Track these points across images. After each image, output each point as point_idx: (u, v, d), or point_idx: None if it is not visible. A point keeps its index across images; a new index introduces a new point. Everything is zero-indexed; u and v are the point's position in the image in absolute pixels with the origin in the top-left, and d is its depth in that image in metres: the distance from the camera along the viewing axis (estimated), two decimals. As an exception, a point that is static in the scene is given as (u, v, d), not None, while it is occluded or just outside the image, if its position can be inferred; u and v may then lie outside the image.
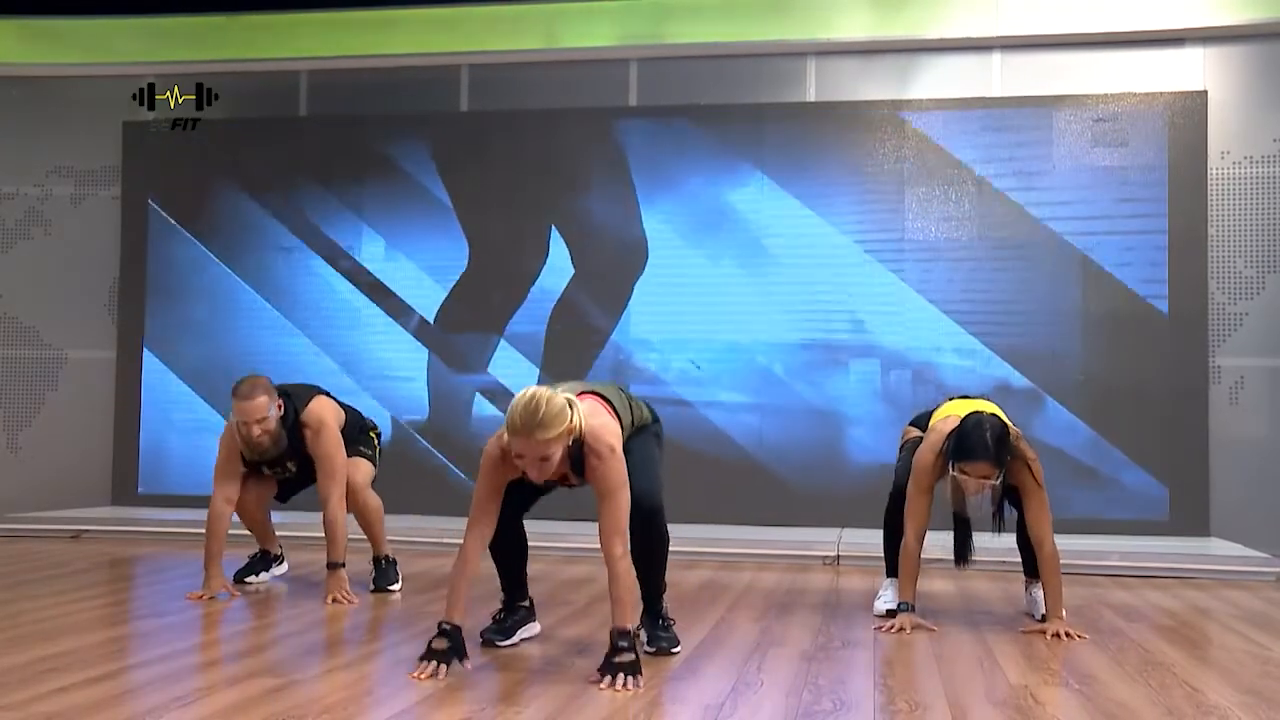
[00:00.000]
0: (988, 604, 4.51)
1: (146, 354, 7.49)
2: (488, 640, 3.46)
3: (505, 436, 3.08)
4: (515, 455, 3.06)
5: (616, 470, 3.16)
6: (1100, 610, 4.39)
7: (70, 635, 3.53)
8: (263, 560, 4.81)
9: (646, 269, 6.98)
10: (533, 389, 3.07)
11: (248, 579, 4.71)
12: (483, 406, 7.07)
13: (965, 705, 2.83)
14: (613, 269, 7.02)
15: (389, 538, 4.79)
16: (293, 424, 4.43)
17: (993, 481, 3.78)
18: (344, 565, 4.39)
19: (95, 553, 5.75)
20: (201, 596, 4.26)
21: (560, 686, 2.97)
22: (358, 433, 4.76)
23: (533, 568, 5.08)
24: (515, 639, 3.53)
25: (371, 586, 4.67)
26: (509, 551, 3.58)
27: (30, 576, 4.90)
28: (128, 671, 3.04)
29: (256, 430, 4.30)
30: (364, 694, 2.88)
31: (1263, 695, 2.97)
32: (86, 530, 6.43)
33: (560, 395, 3.08)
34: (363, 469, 4.71)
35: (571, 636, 3.68)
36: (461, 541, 3.21)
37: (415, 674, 3.02)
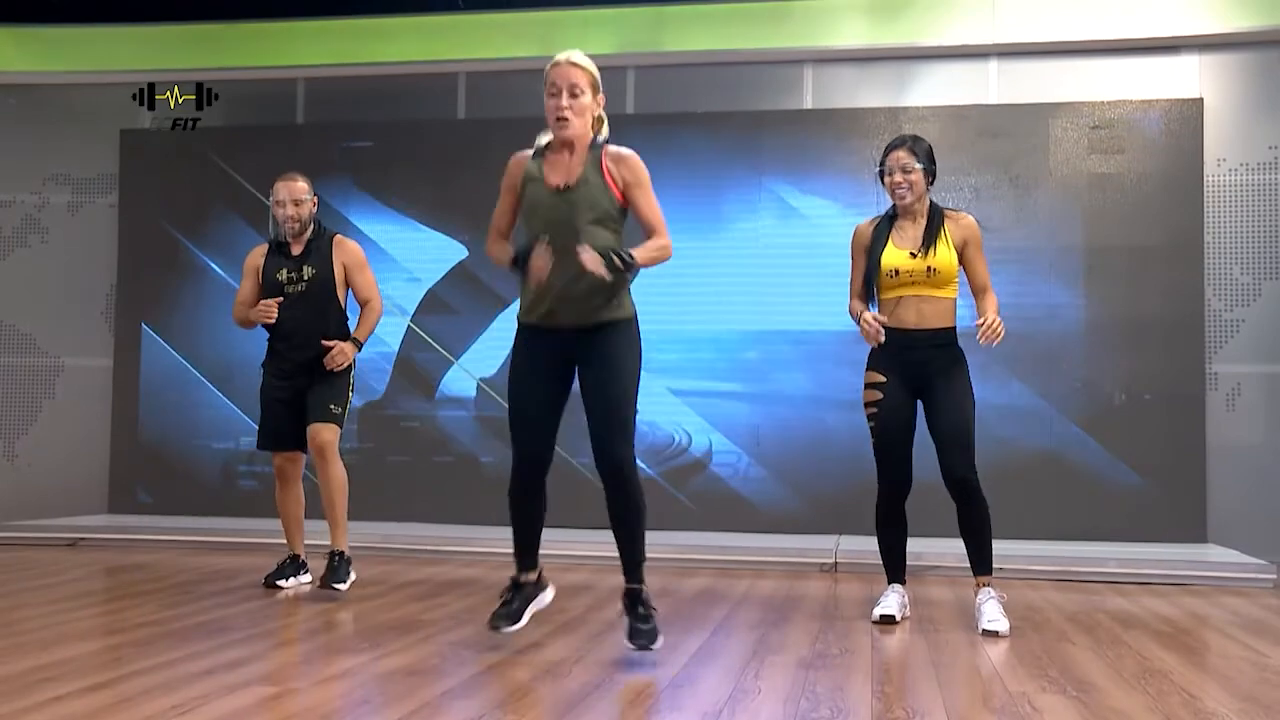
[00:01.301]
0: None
1: (143, 362, 7.49)
2: (495, 626, 3.48)
3: (524, 153, 3.56)
4: (548, 91, 3.45)
5: (644, 170, 3.52)
6: (1098, 617, 4.39)
7: (67, 643, 3.53)
8: (293, 565, 4.90)
9: (645, 274, 6.97)
10: None
11: (280, 582, 4.80)
12: (486, 405, 7.06)
13: (963, 713, 2.83)
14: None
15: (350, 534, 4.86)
16: (326, 235, 4.88)
17: (912, 174, 4.12)
18: (360, 344, 4.80)
19: (92, 560, 5.75)
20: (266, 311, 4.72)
21: (560, 693, 2.97)
22: (345, 376, 4.86)
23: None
24: (524, 620, 3.55)
25: (318, 583, 4.69)
26: (530, 509, 3.56)
27: (27, 584, 4.89)
28: (124, 680, 3.03)
29: (291, 209, 4.77)
30: (361, 702, 2.88)
31: (1260, 702, 2.97)
32: (84, 538, 6.43)
33: None
34: (330, 431, 4.75)
35: (570, 644, 3.67)
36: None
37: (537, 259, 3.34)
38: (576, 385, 3.57)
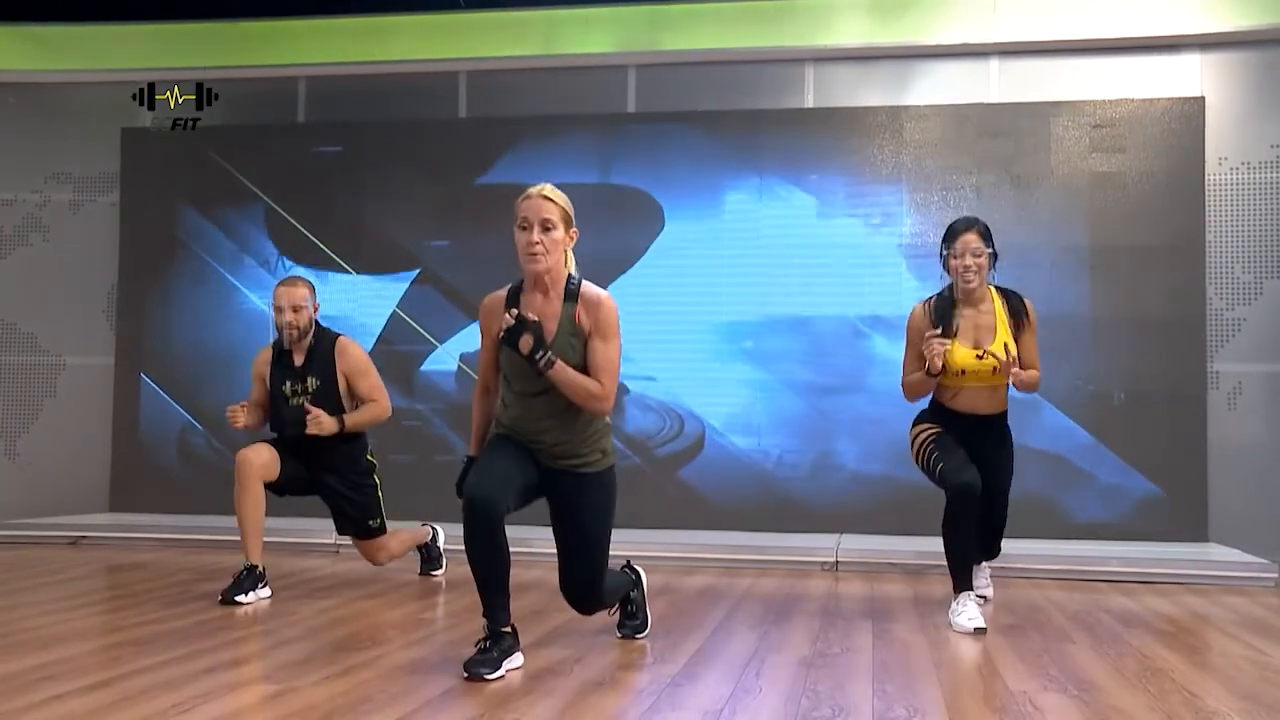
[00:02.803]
0: (986, 611, 4.50)
1: (145, 360, 7.49)
2: (474, 674, 3.14)
3: (494, 295, 3.46)
4: (519, 224, 3.32)
5: (614, 319, 3.38)
6: (1099, 616, 4.39)
7: (67, 642, 3.53)
8: (250, 577, 4.60)
9: (645, 274, 6.98)
10: None
11: (239, 598, 4.48)
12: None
13: (964, 711, 2.83)
14: (610, 273, 7.02)
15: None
16: (327, 341, 4.77)
17: (981, 258, 4.16)
18: (345, 424, 4.66)
19: (93, 559, 5.75)
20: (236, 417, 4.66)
21: (558, 694, 2.97)
22: (374, 487, 4.92)
23: (529, 574, 5.10)
24: (502, 671, 3.19)
25: (418, 573, 5.19)
26: (492, 557, 3.22)
27: (28, 583, 4.90)
28: (125, 679, 3.03)
29: (290, 316, 4.67)
30: (361, 701, 2.87)
31: (1261, 701, 2.97)
32: (85, 536, 6.43)
33: None
34: (376, 547, 4.95)
35: (568, 644, 3.67)
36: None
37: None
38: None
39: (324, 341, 4.77)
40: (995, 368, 4.15)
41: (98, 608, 4.39)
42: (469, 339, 7.17)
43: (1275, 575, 5.34)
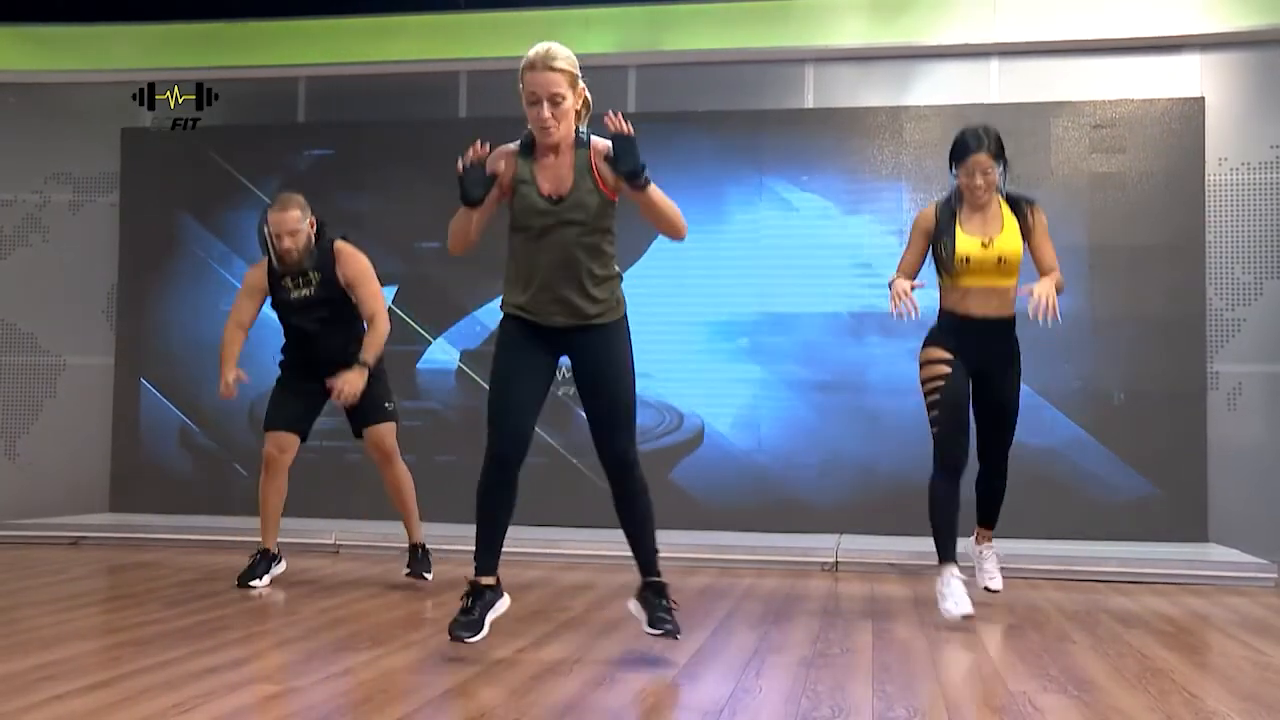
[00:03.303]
0: (986, 610, 4.50)
1: (145, 360, 7.49)
2: (455, 637, 3.28)
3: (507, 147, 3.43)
4: (527, 99, 3.29)
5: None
6: (1099, 616, 4.39)
7: (68, 642, 3.53)
8: (264, 561, 4.84)
9: (644, 274, 6.98)
10: None
11: (252, 584, 4.74)
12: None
13: (964, 712, 2.83)
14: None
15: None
16: (326, 247, 4.70)
17: (991, 175, 4.11)
18: (369, 366, 4.55)
19: (93, 559, 5.75)
20: (224, 391, 4.68)
21: (558, 694, 2.97)
22: (382, 373, 4.81)
23: (529, 574, 5.10)
24: (485, 630, 3.35)
25: (405, 571, 4.89)
26: (500, 504, 3.39)
27: (28, 583, 4.90)
28: (126, 678, 3.03)
29: (287, 241, 4.59)
30: (362, 700, 2.87)
31: (1262, 701, 2.97)
32: (85, 536, 6.43)
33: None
34: (390, 430, 4.84)
35: (570, 644, 3.67)
36: None
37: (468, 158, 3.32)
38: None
39: (322, 247, 4.73)
40: (1000, 258, 4.13)
41: (98, 608, 4.39)
42: (468, 338, 7.17)
43: (1275, 575, 5.34)
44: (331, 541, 6.10)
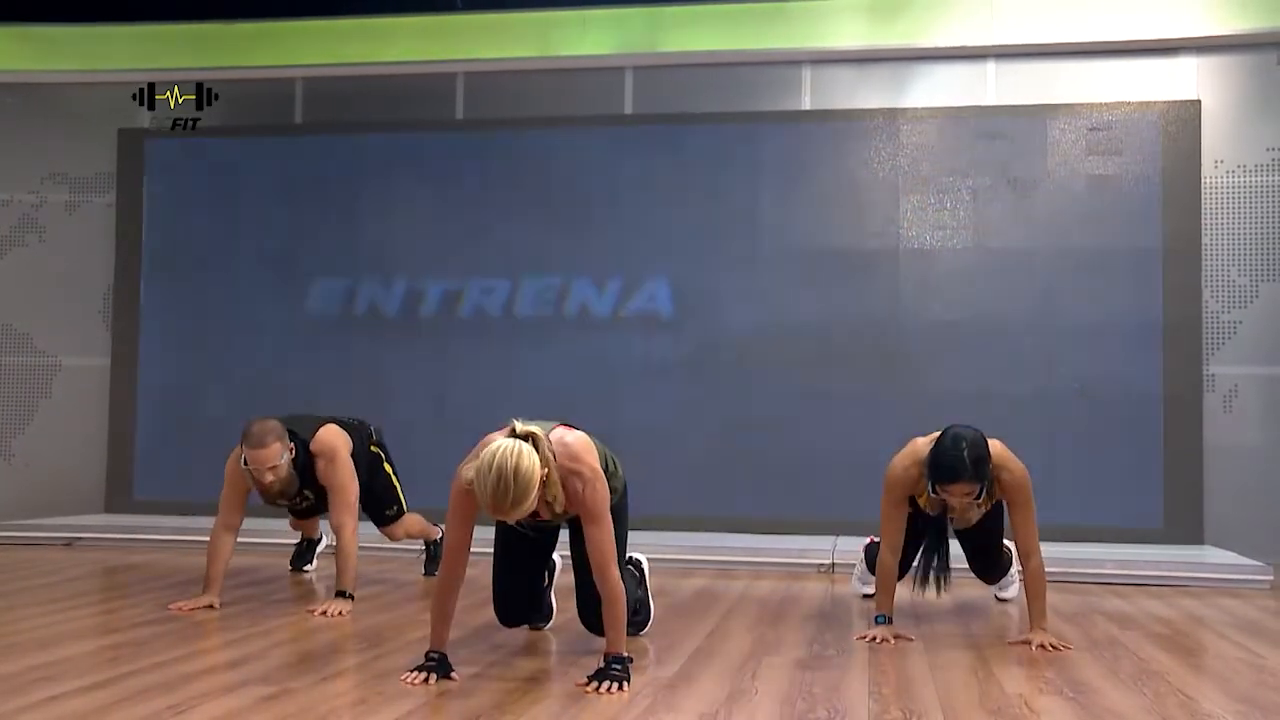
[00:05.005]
0: (982, 612, 4.51)
1: (140, 361, 7.47)
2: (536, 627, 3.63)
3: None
4: (496, 518, 3.03)
5: (601, 493, 3.16)
6: (1095, 618, 4.39)
7: (63, 643, 3.52)
8: (309, 548, 5.18)
9: (643, 276, 6.98)
10: (495, 453, 2.88)
11: (305, 569, 5.07)
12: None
13: (960, 714, 2.83)
14: (608, 275, 7.02)
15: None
16: (304, 462, 4.34)
17: (975, 499, 3.78)
18: (352, 596, 4.23)
19: (89, 560, 5.74)
20: (184, 608, 4.13)
21: (553, 696, 2.97)
22: (368, 449, 4.79)
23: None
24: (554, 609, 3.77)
25: (424, 572, 5.16)
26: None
27: (23, 584, 4.89)
28: (121, 680, 3.03)
29: (269, 477, 4.21)
30: (357, 703, 2.87)
31: (1257, 704, 2.97)
32: (80, 538, 6.42)
33: (524, 449, 2.91)
34: (400, 526, 4.98)
35: (564, 645, 3.67)
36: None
37: (405, 678, 3.06)
38: None
39: (305, 467, 4.39)
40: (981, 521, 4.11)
41: (94, 609, 4.39)
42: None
43: (1271, 578, 5.34)
44: (331, 543, 6.08)
